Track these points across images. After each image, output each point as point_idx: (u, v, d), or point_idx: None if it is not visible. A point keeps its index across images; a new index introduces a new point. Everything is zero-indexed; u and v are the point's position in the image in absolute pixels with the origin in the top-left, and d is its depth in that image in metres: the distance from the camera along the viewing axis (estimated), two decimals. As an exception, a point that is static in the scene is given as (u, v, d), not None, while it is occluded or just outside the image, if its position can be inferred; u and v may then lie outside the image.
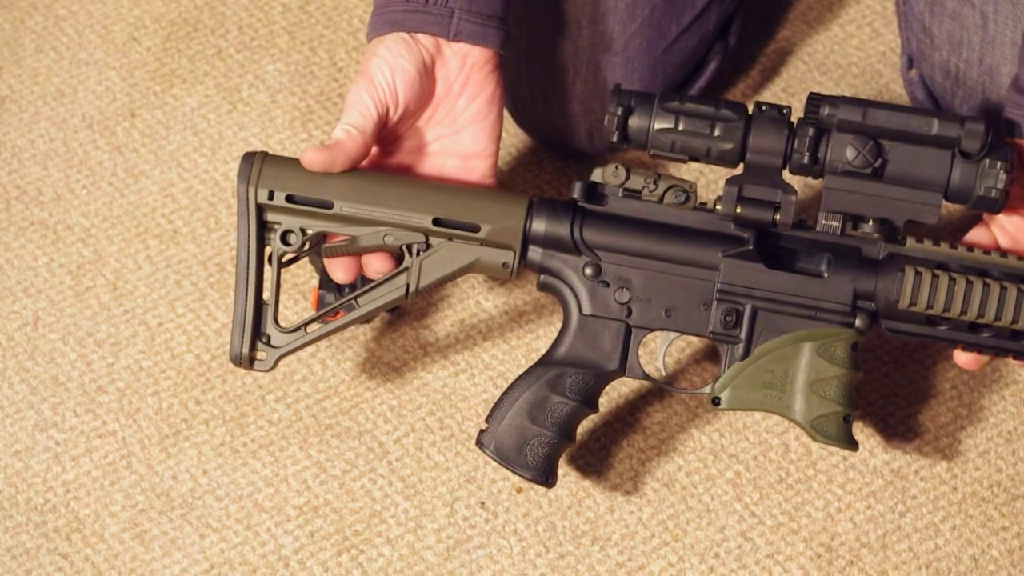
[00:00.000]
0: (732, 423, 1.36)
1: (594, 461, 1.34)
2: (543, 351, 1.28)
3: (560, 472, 1.30)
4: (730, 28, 1.51)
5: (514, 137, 1.51)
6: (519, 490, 1.33)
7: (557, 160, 1.50)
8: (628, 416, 1.37)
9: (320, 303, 1.38)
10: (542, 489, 1.33)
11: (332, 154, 1.21)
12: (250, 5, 1.60)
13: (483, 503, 1.33)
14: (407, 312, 1.41)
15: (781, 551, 1.31)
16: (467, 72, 1.25)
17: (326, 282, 1.39)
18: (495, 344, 1.40)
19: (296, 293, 1.42)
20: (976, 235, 1.24)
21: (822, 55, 1.56)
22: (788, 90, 1.54)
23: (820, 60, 1.56)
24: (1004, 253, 1.22)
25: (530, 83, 1.43)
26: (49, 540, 1.31)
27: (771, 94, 1.54)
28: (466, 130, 1.26)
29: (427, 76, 1.24)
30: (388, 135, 1.25)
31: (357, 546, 1.31)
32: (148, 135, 1.52)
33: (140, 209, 1.48)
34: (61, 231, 1.46)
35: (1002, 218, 1.23)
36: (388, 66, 1.22)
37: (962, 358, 1.24)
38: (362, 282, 1.32)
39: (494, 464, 1.34)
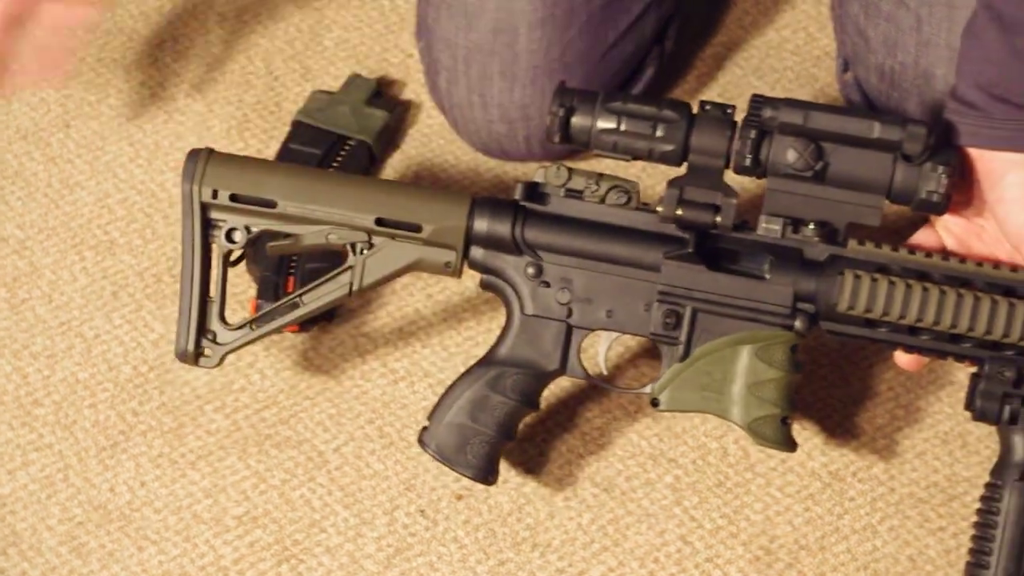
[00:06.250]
0: (671, 427, 1.36)
1: (534, 467, 1.34)
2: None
3: (500, 479, 1.30)
4: (667, 33, 1.51)
5: (451, 144, 1.51)
6: (459, 497, 1.33)
7: (496, 167, 1.50)
8: (567, 421, 1.37)
9: (258, 312, 1.38)
10: (482, 496, 1.33)
11: None
12: (185, 15, 1.59)
13: (423, 511, 1.32)
14: (345, 320, 1.41)
15: (721, 555, 1.31)
16: None
17: (264, 291, 1.39)
18: (434, 351, 1.40)
19: (234, 303, 1.41)
20: (922, 236, 1.25)
21: (758, 60, 1.57)
22: (724, 95, 1.54)
23: (756, 65, 1.56)
24: (946, 256, 1.22)
25: (468, 89, 1.43)
26: (-14, 554, 1.30)
27: (708, 99, 1.54)
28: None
29: None
30: None
31: (297, 556, 1.30)
32: (83, 146, 1.51)
33: (76, 220, 1.47)
34: (-4, 243, 1.45)
35: (948, 219, 1.24)
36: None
37: (902, 359, 1.25)
38: (303, 281, 1.32)
39: (434, 472, 1.33)
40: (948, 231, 1.24)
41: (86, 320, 1.41)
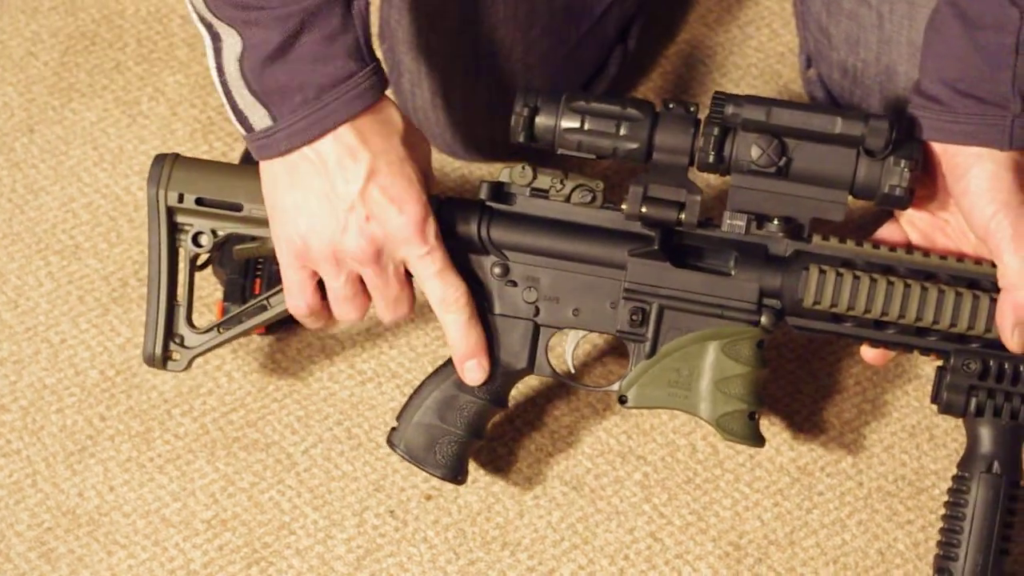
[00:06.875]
0: (639, 425, 1.36)
1: (503, 466, 1.35)
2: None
3: (469, 478, 1.30)
4: (629, 32, 1.52)
5: (417, 145, 1.51)
6: (428, 498, 1.33)
7: (461, 167, 1.50)
8: (536, 420, 1.37)
9: (224, 315, 1.38)
10: (451, 496, 1.33)
11: None
12: (148, 18, 1.59)
13: (392, 511, 1.32)
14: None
15: (690, 551, 1.31)
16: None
17: (230, 293, 1.38)
18: (401, 352, 1.40)
19: (200, 306, 1.41)
20: (887, 231, 1.25)
21: (722, 57, 1.57)
22: (689, 92, 1.55)
23: (720, 62, 1.57)
24: (910, 250, 1.23)
25: (431, 91, 1.43)
26: (-46, 561, 1.30)
27: (672, 97, 1.54)
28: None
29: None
30: None
31: (267, 558, 1.30)
32: (47, 150, 1.51)
33: (40, 225, 1.46)
34: (-40, 249, 1.45)
35: (913, 214, 1.24)
36: None
37: (868, 354, 1.25)
38: (270, 283, 1.32)
39: (403, 472, 1.33)
40: (912, 226, 1.25)
41: (52, 325, 1.41)
